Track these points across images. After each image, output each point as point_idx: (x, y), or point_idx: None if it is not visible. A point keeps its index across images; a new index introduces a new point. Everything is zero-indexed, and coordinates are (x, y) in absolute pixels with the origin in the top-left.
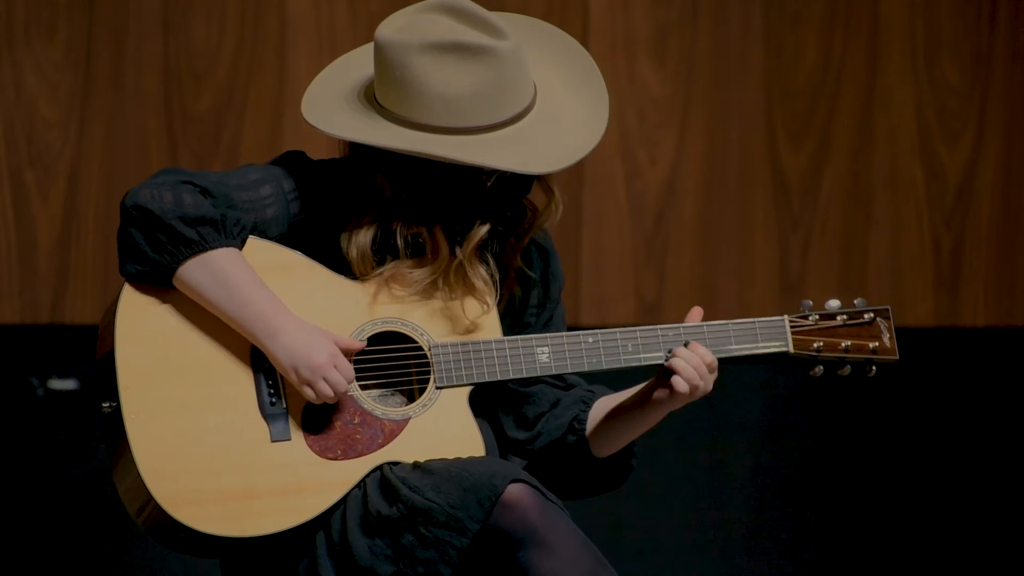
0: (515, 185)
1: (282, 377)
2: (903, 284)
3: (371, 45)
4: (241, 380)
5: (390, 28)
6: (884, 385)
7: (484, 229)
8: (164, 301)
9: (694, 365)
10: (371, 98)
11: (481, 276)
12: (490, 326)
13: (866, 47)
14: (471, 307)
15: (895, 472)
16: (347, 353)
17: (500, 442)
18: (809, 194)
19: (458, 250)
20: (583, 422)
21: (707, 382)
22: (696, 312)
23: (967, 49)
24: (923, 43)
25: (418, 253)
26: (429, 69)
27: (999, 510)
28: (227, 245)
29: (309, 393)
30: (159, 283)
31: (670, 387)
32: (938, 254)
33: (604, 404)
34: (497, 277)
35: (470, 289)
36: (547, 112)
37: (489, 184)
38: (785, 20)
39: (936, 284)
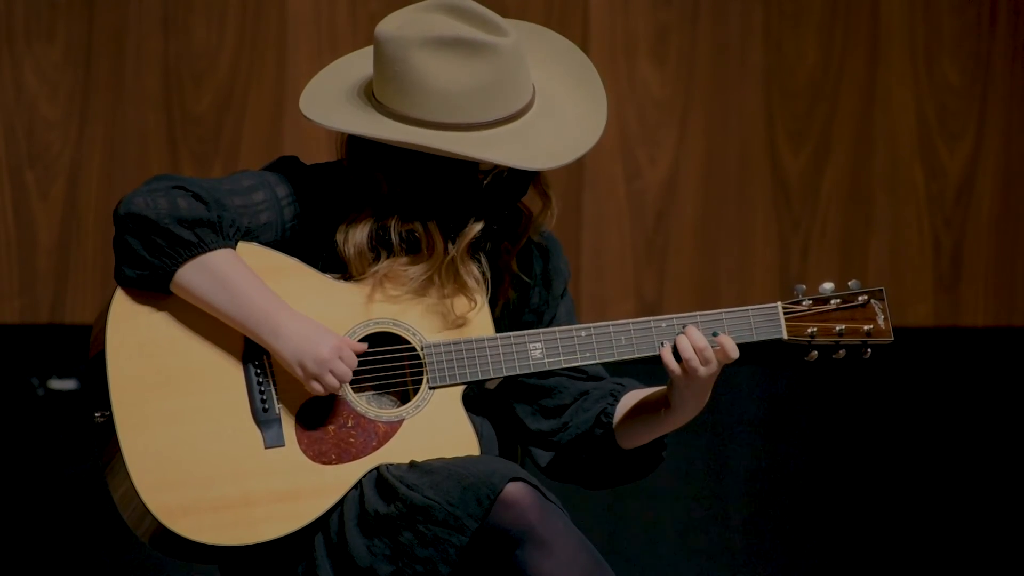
0: (511, 185)
1: (275, 383)
2: (903, 284)
3: (369, 48)
4: (233, 387)
5: (390, 25)
6: (884, 385)
7: (477, 227)
8: (154, 309)
9: (682, 347)
10: (369, 95)
11: (472, 274)
12: (483, 324)
13: (866, 47)
14: (460, 305)
15: (895, 472)
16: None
17: (521, 435)
18: (809, 194)
19: (451, 247)
20: (610, 415)
21: (708, 366)
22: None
23: (967, 49)
24: (923, 43)
25: (414, 250)
26: (429, 64)
27: (999, 510)
28: (224, 246)
29: (316, 387)
30: (155, 289)
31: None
32: (938, 254)
33: (631, 398)
34: (488, 276)
35: (461, 287)
36: (546, 111)
37: (485, 183)
38: (785, 20)
39: (936, 284)
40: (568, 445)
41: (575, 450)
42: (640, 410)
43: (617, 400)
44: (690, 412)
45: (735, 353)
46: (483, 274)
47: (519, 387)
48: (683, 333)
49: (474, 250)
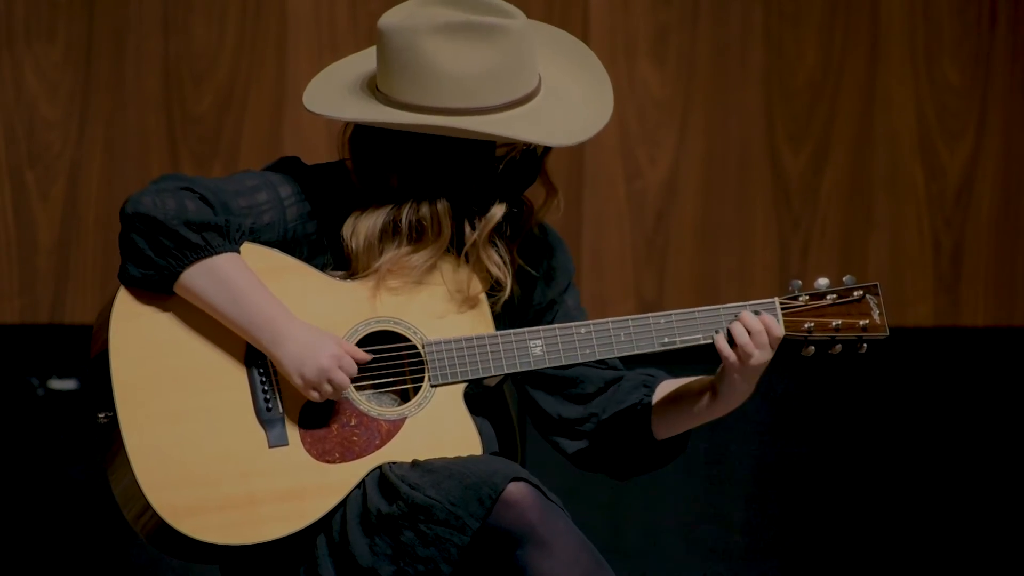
0: (524, 170)
1: (277, 382)
2: (903, 284)
3: (363, 52)
4: (237, 386)
5: (393, 18)
6: (885, 385)
7: (500, 211)
8: (158, 309)
9: (736, 332)
10: (373, 90)
11: (495, 260)
12: (484, 321)
13: (866, 47)
14: (475, 286)
15: (895, 472)
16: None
17: (545, 425)
18: (809, 194)
19: (470, 233)
20: (647, 406)
21: (763, 351)
22: None
23: (967, 49)
24: (923, 43)
25: (420, 239)
26: (440, 50)
27: (999, 510)
28: (230, 251)
29: (314, 395)
30: (159, 290)
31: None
32: (938, 254)
33: (667, 387)
34: (508, 259)
35: (480, 272)
36: (552, 93)
37: (500, 168)
38: (785, 20)
39: (936, 284)
40: (600, 434)
41: (606, 439)
42: (679, 399)
43: (652, 390)
44: (737, 400)
45: (779, 330)
46: (503, 260)
47: (541, 378)
48: (737, 320)
49: (490, 236)
